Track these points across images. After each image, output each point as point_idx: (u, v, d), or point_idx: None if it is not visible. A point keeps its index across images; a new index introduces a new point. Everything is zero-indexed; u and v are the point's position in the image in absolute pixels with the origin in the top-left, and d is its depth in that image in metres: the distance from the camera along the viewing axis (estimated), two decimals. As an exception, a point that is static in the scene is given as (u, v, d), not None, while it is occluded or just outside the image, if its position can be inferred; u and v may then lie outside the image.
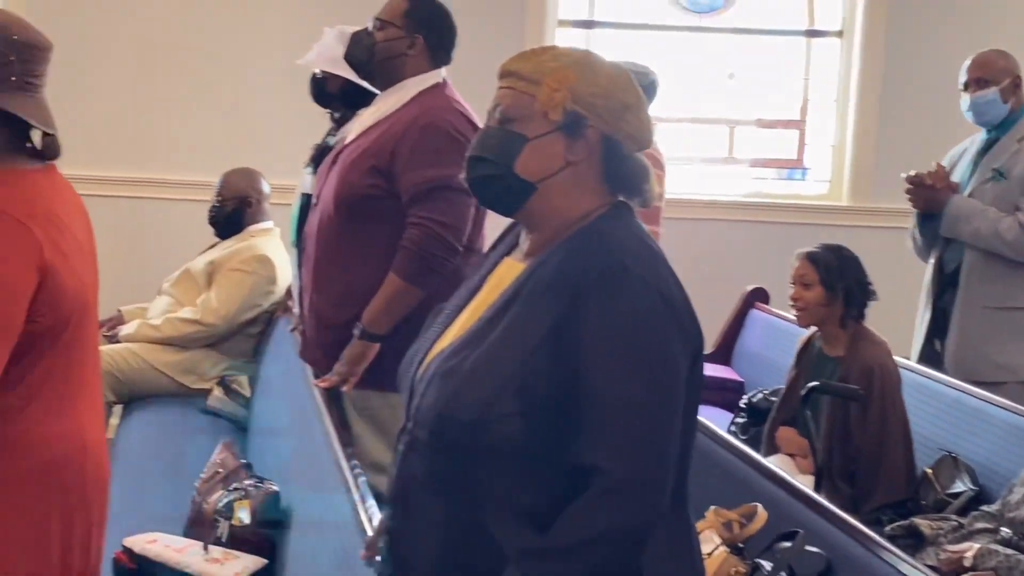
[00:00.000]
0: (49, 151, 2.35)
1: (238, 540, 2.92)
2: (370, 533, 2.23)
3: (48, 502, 2.30)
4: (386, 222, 3.21)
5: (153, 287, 4.93)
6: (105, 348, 4.61)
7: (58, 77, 5.33)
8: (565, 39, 5.90)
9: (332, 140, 3.78)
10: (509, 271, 1.91)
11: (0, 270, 2.16)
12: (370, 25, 3.39)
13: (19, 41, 2.24)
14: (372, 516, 2.35)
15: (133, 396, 4.56)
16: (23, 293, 2.18)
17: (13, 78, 2.22)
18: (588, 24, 6.08)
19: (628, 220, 1.88)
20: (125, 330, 4.69)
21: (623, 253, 1.79)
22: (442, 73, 3.37)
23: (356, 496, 2.50)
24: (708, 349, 5.22)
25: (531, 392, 1.74)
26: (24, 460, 2.26)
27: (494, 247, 2.05)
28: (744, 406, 4.44)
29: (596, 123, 1.84)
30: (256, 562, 2.87)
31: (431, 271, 3.14)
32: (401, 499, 1.89)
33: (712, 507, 2.71)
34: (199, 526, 3.03)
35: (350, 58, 3.50)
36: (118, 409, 4.59)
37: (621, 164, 1.87)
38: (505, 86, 1.89)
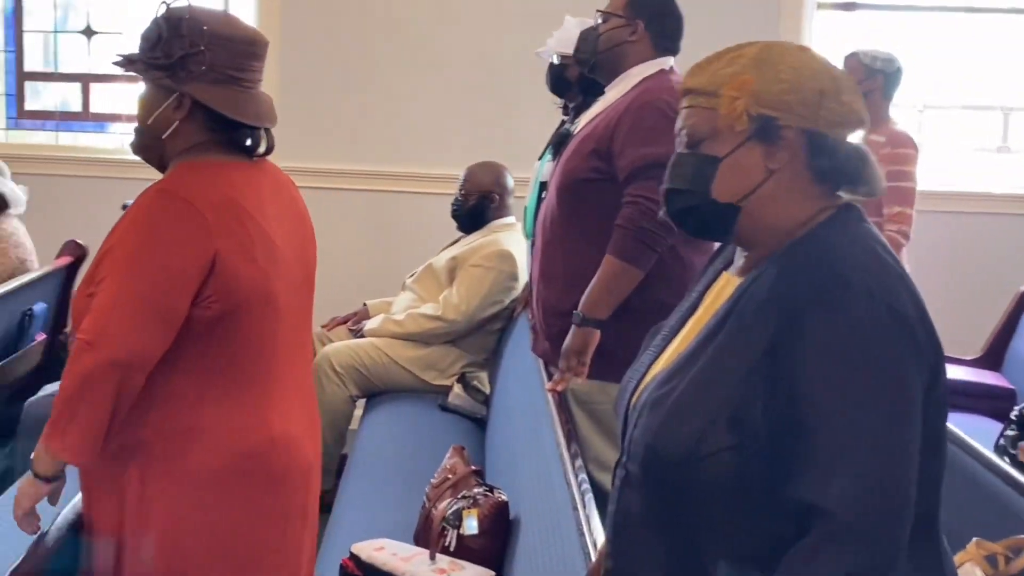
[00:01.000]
0: (254, 145, 2.36)
1: (466, 550, 2.85)
2: (591, 547, 2.13)
3: (231, 494, 2.31)
4: (607, 205, 3.14)
5: (399, 281, 4.96)
6: (350, 343, 4.67)
7: (311, 73, 5.46)
8: (824, 23, 5.62)
9: (572, 128, 3.70)
10: (726, 286, 1.74)
11: (164, 252, 2.19)
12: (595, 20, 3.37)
13: (212, 32, 2.25)
14: (594, 529, 2.24)
15: (376, 391, 4.58)
16: (184, 276, 2.19)
17: (204, 68, 2.23)
18: (849, 6, 5.76)
19: (853, 226, 1.66)
20: (369, 325, 4.73)
21: (844, 264, 1.58)
22: (669, 61, 3.30)
23: (580, 505, 2.40)
24: (975, 353, 4.88)
25: (745, 424, 1.56)
26: (210, 453, 2.28)
27: (714, 258, 1.88)
28: (1015, 417, 4.09)
29: (790, 121, 1.64)
30: (483, 574, 2.79)
31: (647, 248, 3.06)
32: (620, 535, 1.75)
33: (974, 539, 2.46)
34: (427, 533, 2.98)
35: (578, 55, 3.52)
36: (362, 403, 4.64)
37: (832, 157, 1.66)
38: (686, 106, 1.71)
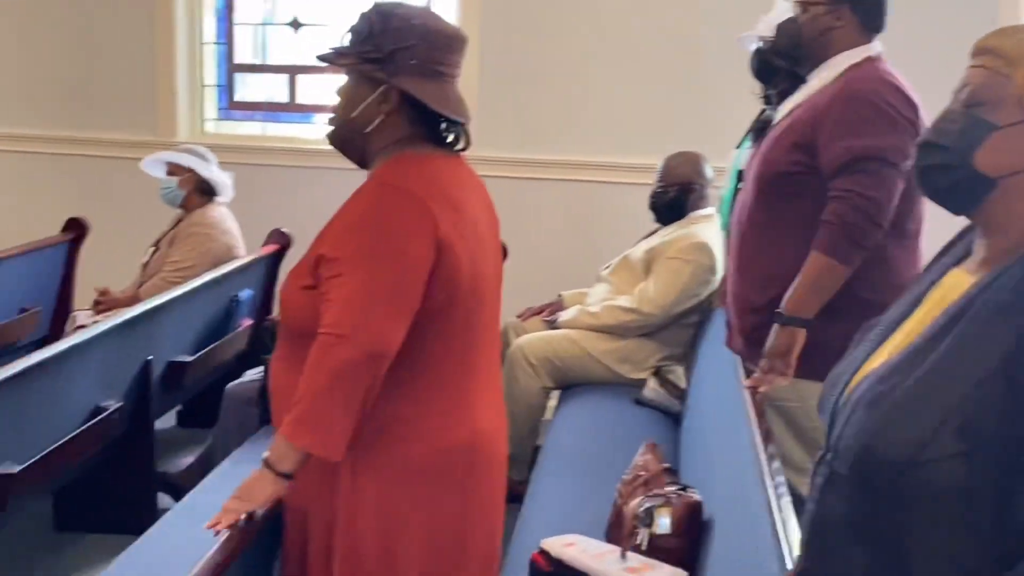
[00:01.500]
0: (455, 139, 2.37)
1: (657, 549, 2.77)
2: (786, 552, 2.05)
3: (438, 484, 2.33)
4: (808, 199, 3.03)
5: (595, 272, 4.91)
6: (544, 334, 4.64)
7: (509, 64, 5.44)
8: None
9: (773, 115, 3.59)
10: (957, 284, 1.62)
11: (400, 243, 2.21)
12: (794, 11, 3.26)
13: (421, 26, 2.27)
14: (790, 534, 2.15)
15: (570, 382, 4.55)
16: (421, 267, 2.22)
17: (413, 61, 2.25)
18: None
19: None
20: (564, 316, 4.69)
21: None
22: (875, 47, 3.15)
23: (776, 508, 2.31)
24: None
25: (977, 432, 1.45)
26: (419, 444, 2.29)
27: (941, 255, 1.76)
28: None
29: None
30: (675, 574, 2.72)
31: (856, 245, 2.94)
32: (818, 541, 1.66)
33: None
34: (618, 530, 2.93)
35: (776, 48, 3.44)
36: (556, 395, 4.61)
37: None
38: (977, 64, 1.61)
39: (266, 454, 2.22)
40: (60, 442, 3.40)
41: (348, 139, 2.37)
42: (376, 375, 2.17)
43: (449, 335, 2.29)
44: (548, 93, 5.61)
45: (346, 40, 2.32)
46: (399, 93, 2.27)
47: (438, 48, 2.28)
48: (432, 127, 2.35)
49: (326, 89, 6.11)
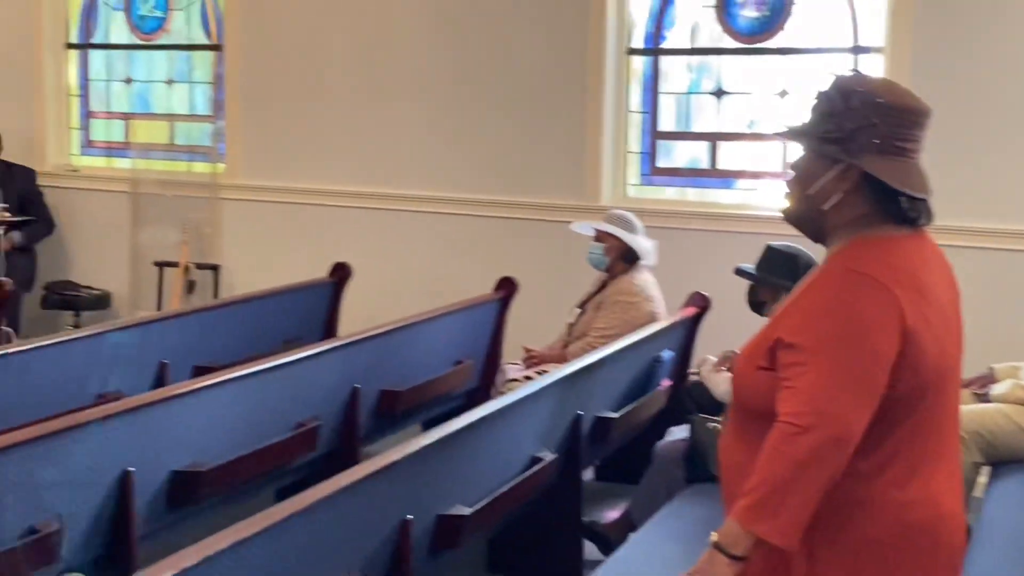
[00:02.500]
0: (916, 216, 2.31)
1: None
2: None
3: (902, 569, 2.27)
4: None
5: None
6: (975, 407, 4.47)
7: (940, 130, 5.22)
8: None
9: None
10: None
11: (865, 332, 2.18)
12: None
13: (884, 104, 2.24)
14: None
15: (1002, 459, 4.35)
16: (887, 356, 2.18)
17: (876, 141, 2.23)
18: None
19: None
20: (996, 389, 4.50)
21: None
22: None
23: None
24: None
25: None
26: (878, 526, 2.25)
27: None
28: None
29: None
30: None
31: None
32: None
33: None
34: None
35: None
36: (986, 470, 4.42)
37: None
38: None
39: (715, 537, 2.24)
40: (504, 488, 3.63)
41: (804, 215, 2.36)
42: (839, 464, 2.16)
43: (912, 419, 2.25)
44: (981, 159, 5.44)
45: (807, 117, 2.33)
46: (859, 172, 2.25)
47: (901, 125, 2.25)
48: (893, 204, 2.31)
49: (748, 155, 6.20)
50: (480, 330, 5.62)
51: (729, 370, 4.26)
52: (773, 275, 4.19)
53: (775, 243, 4.32)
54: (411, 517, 3.10)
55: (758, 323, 4.22)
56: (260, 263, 7.20)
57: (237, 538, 2.47)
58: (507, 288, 5.72)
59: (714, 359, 4.37)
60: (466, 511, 3.36)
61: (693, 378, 5.00)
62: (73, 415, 3.39)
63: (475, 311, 5.56)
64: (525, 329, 5.82)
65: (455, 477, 3.45)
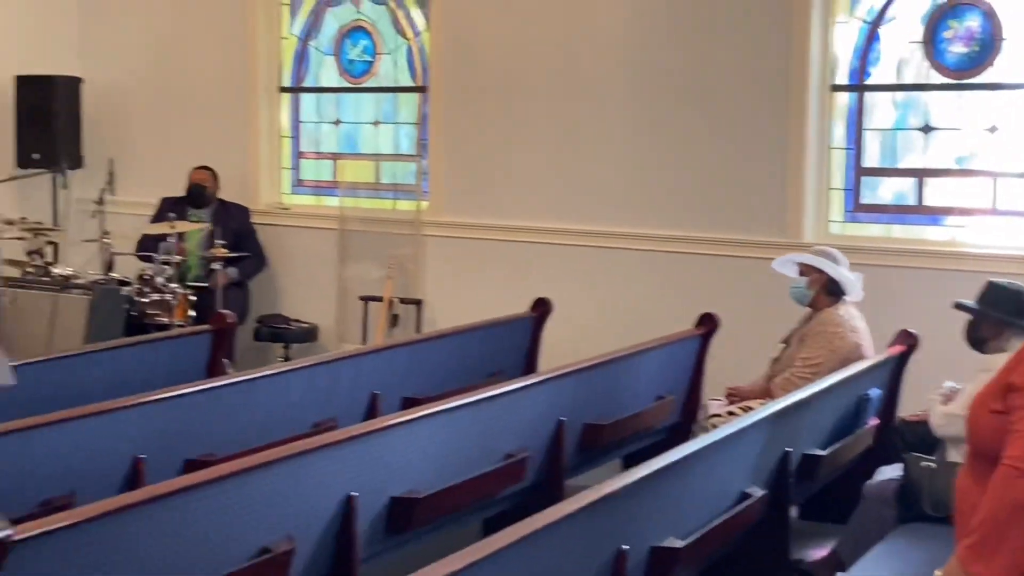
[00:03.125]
0: None
1: None
2: None
3: None
4: None
5: None
6: None
7: None
8: None
9: None
10: None
11: None
12: None
13: None
14: None
15: None
16: None
17: None
18: None
19: None
20: None
21: None
22: None
23: None
24: None
25: None
26: None
27: None
28: None
29: None
30: None
31: None
32: None
33: None
34: None
35: None
36: None
37: None
38: None
39: (939, 574, 2.26)
40: (715, 522, 3.65)
41: None
42: None
43: None
44: None
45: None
46: None
47: None
48: None
49: (956, 192, 6.07)
50: (681, 366, 5.64)
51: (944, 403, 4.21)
52: (997, 310, 4.10)
53: (997, 280, 4.24)
54: (626, 548, 3.14)
55: (970, 361, 4.18)
56: (461, 298, 7.37)
57: (461, 565, 2.55)
58: (708, 324, 5.72)
59: (946, 388, 4.34)
60: (679, 544, 3.39)
61: (904, 416, 4.93)
62: (300, 441, 3.55)
63: (676, 347, 5.58)
64: (726, 365, 5.81)
65: (667, 510, 3.48)
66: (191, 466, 3.94)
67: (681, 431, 5.50)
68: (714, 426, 4.69)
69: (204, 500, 3.07)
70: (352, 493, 3.48)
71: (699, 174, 6.64)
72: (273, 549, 3.18)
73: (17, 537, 2.53)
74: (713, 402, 5.48)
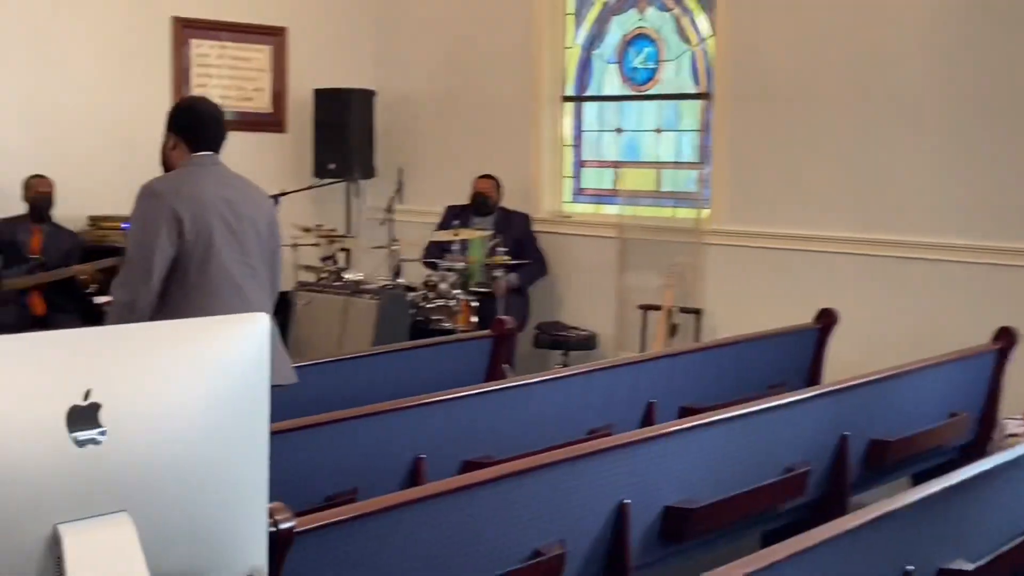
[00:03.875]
0: None
1: None
2: None
3: None
4: None
5: None
6: None
7: None
8: None
9: None
10: None
11: None
12: None
13: None
14: None
15: None
16: None
17: None
18: None
19: None
20: None
21: None
22: None
23: None
24: None
25: None
26: None
27: None
28: None
29: None
30: None
31: None
32: None
33: None
34: None
35: None
36: None
37: None
38: None
39: None
40: (1008, 546, 3.42)
41: None
42: None
43: None
44: None
45: None
46: None
47: None
48: None
49: None
50: (976, 382, 5.34)
51: None
52: None
53: None
54: (912, 568, 2.99)
55: None
56: (742, 308, 7.23)
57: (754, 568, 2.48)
58: (1006, 339, 5.40)
59: None
60: (969, 567, 3.19)
61: None
62: (575, 446, 3.56)
63: (971, 362, 5.29)
64: (1026, 383, 5.47)
65: (957, 531, 3.29)
66: (468, 467, 4.01)
67: (975, 450, 5.21)
68: (1011, 446, 4.41)
69: (481, 500, 3.11)
70: (625, 500, 3.45)
71: (999, 181, 6.27)
72: (545, 552, 3.19)
73: (300, 528, 2.62)
74: (1011, 421, 5.16)
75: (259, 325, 1.47)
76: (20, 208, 7.47)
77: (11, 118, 7.70)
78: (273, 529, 2.37)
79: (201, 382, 1.38)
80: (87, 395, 1.26)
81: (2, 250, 7.35)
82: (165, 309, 3.87)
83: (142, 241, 3.89)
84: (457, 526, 3.06)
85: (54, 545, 1.24)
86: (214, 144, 4.12)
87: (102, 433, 1.27)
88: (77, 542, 1.24)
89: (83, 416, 1.26)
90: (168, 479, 1.34)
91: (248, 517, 1.44)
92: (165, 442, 1.33)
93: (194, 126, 4.10)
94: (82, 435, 1.26)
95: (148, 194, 3.95)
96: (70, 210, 7.62)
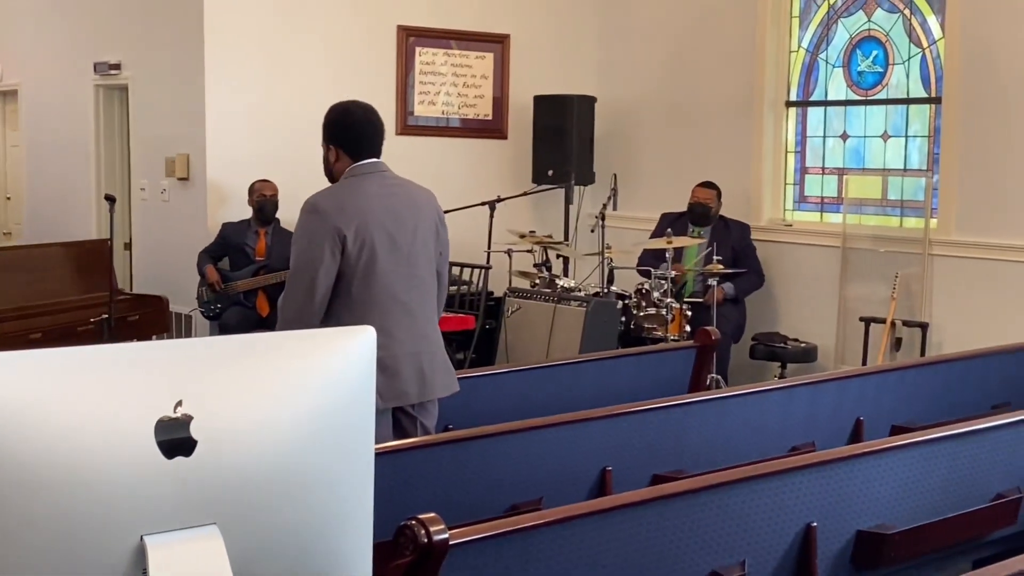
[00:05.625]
0: None
1: None
2: None
3: None
4: None
5: None
6: None
7: None
8: None
9: None
10: None
11: None
12: None
13: None
14: None
15: None
16: None
17: None
18: None
19: None
20: None
21: None
22: None
23: None
24: None
25: None
26: None
27: None
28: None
29: None
30: None
31: None
32: None
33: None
34: None
35: None
36: None
37: None
38: None
39: None
40: None
41: None
42: None
43: None
44: None
45: None
46: None
47: None
48: None
49: None
50: None
51: None
52: None
53: None
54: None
55: None
56: (970, 322, 6.87)
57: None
58: None
59: None
60: None
61: None
62: (767, 463, 3.42)
63: None
64: None
65: None
66: (656, 480, 3.93)
67: None
68: None
69: (660, 514, 3.02)
70: (812, 523, 3.30)
71: None
72: (723, 575, 3.08)
73: (476, 537, 2.60)
74: None
75: (365, 338, 1.45)
76: (248, 212, 7.79)
77: (241, 126, 8.03)
78: (425, 541, 2.37)
79: (302, 395, 1.37)
80: (178, 406, 1.27)
81: (229, 253, 7.67)
82: (329, 323, 3.89)
83: (306, 258, 3.87)
84: (638, 540, 2.99)
85: (140, 556, 1.25)
86: (376, 149, 4.03)
87: (193, 444, 1.28)
88: (163, 554, 1.24)
89: (173, 427, 1.27)
90: (263, 494, 1.33)
91: (350, 534, 1.42)
92: (261, 455, 1.33)
93: (353, 134, 4.00)
94: (171, 446, 1.27)
95: (311, 210, 3.93)
96: (295, 214, 7.88)
